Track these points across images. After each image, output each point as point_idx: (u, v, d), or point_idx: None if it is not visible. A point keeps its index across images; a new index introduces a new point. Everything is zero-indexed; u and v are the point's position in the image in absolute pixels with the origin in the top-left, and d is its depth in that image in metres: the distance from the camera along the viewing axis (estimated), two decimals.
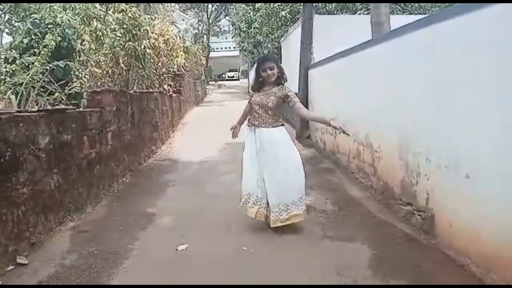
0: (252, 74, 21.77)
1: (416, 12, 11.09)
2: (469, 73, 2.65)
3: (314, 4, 9.66)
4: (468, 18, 2.65)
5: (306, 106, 8.10)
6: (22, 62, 4.57)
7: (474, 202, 2.61)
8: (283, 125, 3.48)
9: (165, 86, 9.21)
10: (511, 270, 2.27)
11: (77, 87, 5.11)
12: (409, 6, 11.56)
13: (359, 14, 10.84)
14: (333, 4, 11.64)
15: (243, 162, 3.51)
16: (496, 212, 2.40)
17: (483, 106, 2.51)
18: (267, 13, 14.96)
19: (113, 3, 7.41)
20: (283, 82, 3.44)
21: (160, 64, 8.91)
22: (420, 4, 11.49)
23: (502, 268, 2.35)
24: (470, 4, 2.62)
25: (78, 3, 6.65)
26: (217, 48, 37.82)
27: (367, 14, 8.00)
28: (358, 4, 11.36)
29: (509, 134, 2.30)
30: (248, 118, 3.56)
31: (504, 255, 2.33)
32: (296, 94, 3.55)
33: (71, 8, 6.56)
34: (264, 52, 17.36)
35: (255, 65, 3.46)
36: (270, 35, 15.80)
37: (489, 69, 2.46)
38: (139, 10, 7.71)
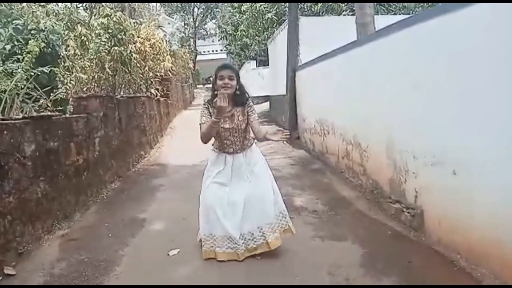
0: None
1: (400, 12, 11.26)
2: (450, 72, 2.71)
3: (299, 6, 9.74)
4: (448, 18, 2.70)
5: (295, 107, 8.17)
6: (5, 69, 4.48)
7: (461, 199, 2.66)
8: (254, 140, 2.97)
9: (152, 90, 9.13)
10: (499, 265, 2.32)
11: (62, 93, 5.03)
12: (393, 6, 11.73)
13: (344, 15, 10.96)
14: (319, 5, 11.74)
15: (203, 194, 2.90)
16: (483, 207, 2.45)
17: (466, 104, 2.56)
18: (253, 15, 15.02)
19: (98, 8, 7.34)
20: (246, 101, 2.85)
21: (146, 68, 8.85)
22: (404, 4, 11.68)
23: (490, 262, 2.39)
24: (451, 4, 2.67)
25: (62, 8, 6.57)
26: (204, 52, 37.68)
27: (352, 15, 8.08)
28: (343, 5, 11.48)
29: (493, 131, 2.35)
30: (215, 144, 3.05)
31: (492, 250, 2.37)
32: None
33: (54, 13, 6.48)
34: (251, 54, 17.38)
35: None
36: (256, 37, 15.87)
37: (468, 67, 2.51)
38: (124, 15, 7.66)
